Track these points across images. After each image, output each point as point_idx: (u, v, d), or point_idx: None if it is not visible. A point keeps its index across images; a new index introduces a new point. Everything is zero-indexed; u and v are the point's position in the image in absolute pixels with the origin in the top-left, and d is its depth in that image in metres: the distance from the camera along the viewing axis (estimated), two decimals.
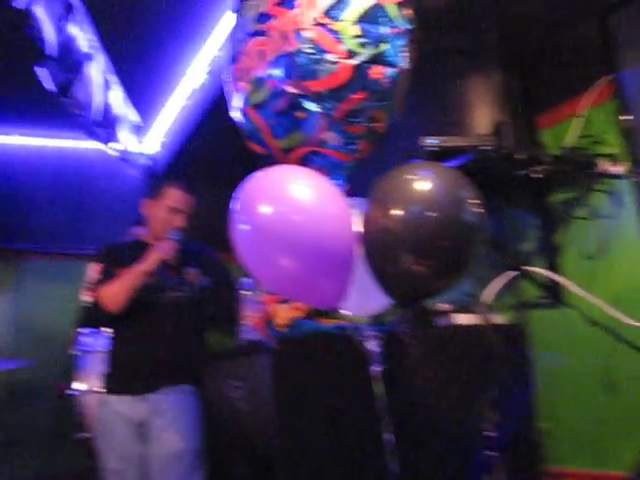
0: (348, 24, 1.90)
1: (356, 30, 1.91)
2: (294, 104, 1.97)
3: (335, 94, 1.93)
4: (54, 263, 4.24)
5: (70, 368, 3.63)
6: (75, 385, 3.51)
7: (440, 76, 2.76)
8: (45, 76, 2.31)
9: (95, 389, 3.39)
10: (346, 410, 2.02)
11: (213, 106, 3.47)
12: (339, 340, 2.15)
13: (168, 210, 2.64)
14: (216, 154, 3.97)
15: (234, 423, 2.38)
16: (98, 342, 3.53)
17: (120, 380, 2.67)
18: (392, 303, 2.10)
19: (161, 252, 2.55)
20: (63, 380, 3.89)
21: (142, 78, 3.35)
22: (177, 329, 2.67)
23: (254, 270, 1.93)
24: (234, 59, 2.12)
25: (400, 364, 1.91)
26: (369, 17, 1.93)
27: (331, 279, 1.91)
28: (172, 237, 2.58)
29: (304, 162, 2.05)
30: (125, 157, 3.15)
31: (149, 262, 2.53)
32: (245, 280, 2.61)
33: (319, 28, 1.90)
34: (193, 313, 2.73)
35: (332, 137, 2.00)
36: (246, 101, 2.07)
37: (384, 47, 1.95)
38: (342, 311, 2.12)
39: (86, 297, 2.75)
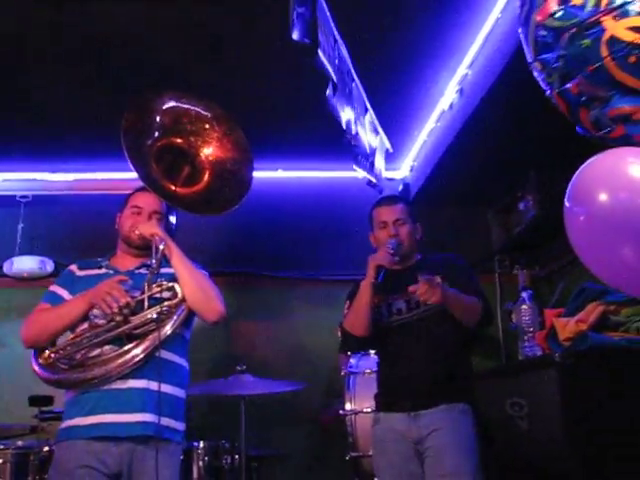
0: None
1: None
2: None
3: None
4: (318, 289, 4.55)
5: (339, 389, 3.77)
6: (346, 405, 3.63)
7: None
8: (333, 110, 2.41)
9: (365, 409, 3.48)
10: None
11: (464, 127, 3.45)
12: (634, 354, 1.98)
13: (378, 226, 2.81)
14: (468, 176, 3.95)
15: (514, 443, 2.29)
16: (365, 363, 3.66)
17: (389, 398, 2.74)
18: None
19: (375, 259, 2.64)
20: (331, 401, 4.10)
21: (391, 102, 3.45)
22: (433, 342, 2.66)
23: (591, 264, 1.78)
24: None
25: None
26: None
27: None
28: (388, 245, 2.65)
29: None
30: (379, 184, 3.23)
31: (368, 272, 2.63)
32: (525, 294, 2.56)
33: None
34: (448, 322, 2.66)
35: None
36: None
37: None
38: None
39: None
